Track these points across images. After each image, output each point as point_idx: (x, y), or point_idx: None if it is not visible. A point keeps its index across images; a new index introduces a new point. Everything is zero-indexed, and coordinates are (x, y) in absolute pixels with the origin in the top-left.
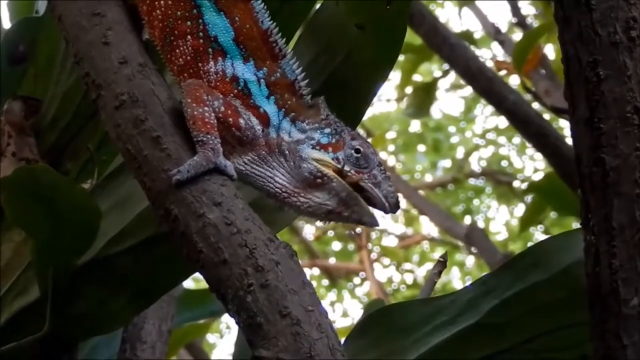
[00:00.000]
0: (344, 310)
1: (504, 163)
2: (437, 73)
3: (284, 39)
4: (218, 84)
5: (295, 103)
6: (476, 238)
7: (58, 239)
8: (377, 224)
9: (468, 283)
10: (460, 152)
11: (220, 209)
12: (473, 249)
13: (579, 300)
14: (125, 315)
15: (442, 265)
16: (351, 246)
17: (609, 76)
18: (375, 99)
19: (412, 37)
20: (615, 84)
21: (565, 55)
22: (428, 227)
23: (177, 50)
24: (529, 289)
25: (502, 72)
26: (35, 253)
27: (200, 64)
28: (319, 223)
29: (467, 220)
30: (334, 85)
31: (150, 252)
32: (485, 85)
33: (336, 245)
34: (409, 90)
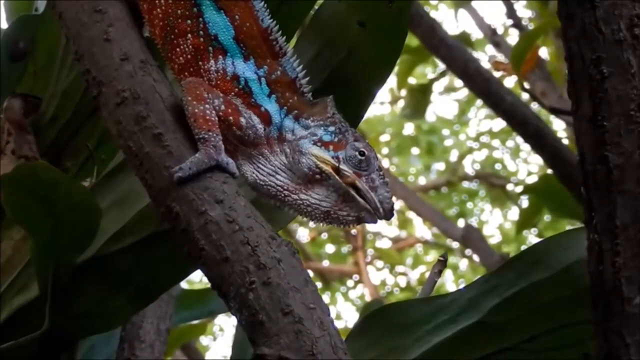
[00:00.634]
0: (337, 313)
1: (498, 166)
2: (431, 75)
3: (284, 37)
4: (219, 82)
5: (297, 101)
6: (473, 239)
7: (58, 236)
8: (375, 221)
9: (462, 286)
10: (454, 155)
11: (222, 207)
12: (467, 252)
13: (580, 299)
14: (124, 313)
15: (442, 264)
16: (345, 249)
17: (613, 74)
18: None
19: (408, 39)
20: (619, 82)
21: (569, 53)
22: (422, 229)
23: (178, 49)
24: (530, 288)
25: (499, 74)
26: (35, 251)
27: (200, 63)
28: (312, 224)
29: (461, 223)
30: (335, 83)
31: (150, 250)
32: (483, 86)
33: (330, 248)
34: (403, 93)
